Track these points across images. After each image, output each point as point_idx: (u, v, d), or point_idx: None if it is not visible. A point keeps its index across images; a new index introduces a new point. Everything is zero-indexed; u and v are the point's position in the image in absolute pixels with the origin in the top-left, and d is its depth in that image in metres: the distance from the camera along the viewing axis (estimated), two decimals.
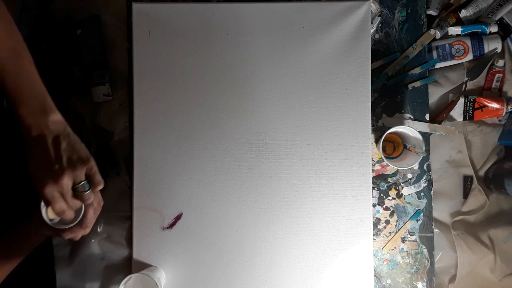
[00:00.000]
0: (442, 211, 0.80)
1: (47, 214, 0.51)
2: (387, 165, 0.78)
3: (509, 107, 0.79)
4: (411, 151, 0.74)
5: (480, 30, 0.79)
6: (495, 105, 0.78)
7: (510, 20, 0.79)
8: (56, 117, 0.51)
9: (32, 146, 0.49)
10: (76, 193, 0.51)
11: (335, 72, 0.72)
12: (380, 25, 0.79)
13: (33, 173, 0.49)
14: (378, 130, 0.79)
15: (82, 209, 0.54)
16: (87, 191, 0.51)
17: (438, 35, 0.80)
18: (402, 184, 0.79)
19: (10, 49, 0.50)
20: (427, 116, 0.79)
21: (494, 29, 0.79)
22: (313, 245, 0.72)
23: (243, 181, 0.72)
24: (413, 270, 0.78)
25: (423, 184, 0.79)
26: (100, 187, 0.53)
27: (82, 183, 0.51)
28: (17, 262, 0.59)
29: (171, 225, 0.72)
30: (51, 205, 0.49)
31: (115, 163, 0.77)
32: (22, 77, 0.50)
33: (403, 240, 0.78)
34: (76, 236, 0.56)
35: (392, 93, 0.80)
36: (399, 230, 0.78)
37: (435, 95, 0.81)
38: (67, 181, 0.49)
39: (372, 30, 0.77)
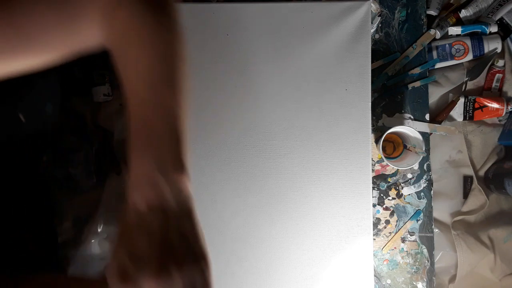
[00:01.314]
0: (442, 211, 0.80)
1: None
2: (387, 165, 0.78)
3: (509, 107, 0.79)
4: (411, 151, 0.74)
5: (480, 30, 0.79)
6: (495, 105, 0.78)
7: (510, 20, 0.79)
8: (186, 182, 0.35)
9: (129, 210, 0.31)
10: None
11: (335, 72, 0.72)
12: (380, 25, 0.79)
13: (117, 257, 0.30)
14: (378, 130, 0.79)
15: None
16: None
17: (438, 35, 0.80)
18: (402, 184, 0.79)
19: (158, 72, 0.37)
20: (427, 116, 0.79)
21: (494, 29, 0.79)
22: (313, 245, 0.72)
23: (242, 181, 0.72)
24: (413, 270, 0.78)
25: (423, 184, 0.78)
26: None
27: None
28: None
29: None
30: None
31: (115, 163, 0.77)
32: (162, 112, 0.36)
33: (403, 240, 0.78)
34: None
35: (392, 93, 0.79)
36: (399, 230, 0.78)
37: (435, 95, 0.80)
38: None
39: (372, 30, 0.77)
